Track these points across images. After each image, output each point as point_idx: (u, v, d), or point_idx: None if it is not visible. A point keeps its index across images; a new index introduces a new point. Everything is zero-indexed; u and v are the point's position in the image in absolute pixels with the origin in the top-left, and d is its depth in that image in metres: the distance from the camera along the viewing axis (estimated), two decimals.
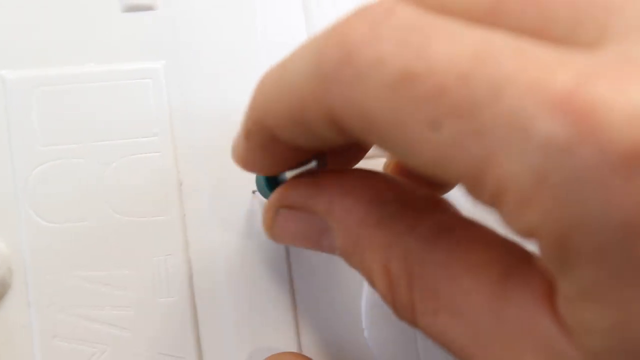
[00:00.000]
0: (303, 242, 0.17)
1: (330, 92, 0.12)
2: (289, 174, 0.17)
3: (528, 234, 0.11)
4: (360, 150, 0.19)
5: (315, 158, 0.17)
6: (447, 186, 0.20)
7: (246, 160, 0.17)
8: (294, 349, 0.20)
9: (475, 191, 0.12)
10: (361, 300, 0.21)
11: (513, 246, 0.14)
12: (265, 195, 0.20)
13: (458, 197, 0.21)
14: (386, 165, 0.21)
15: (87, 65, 0.20)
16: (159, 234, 0.20)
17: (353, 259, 0.16)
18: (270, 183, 0.18)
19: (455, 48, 0.11)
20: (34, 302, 0.19)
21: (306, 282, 0.21)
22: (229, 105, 0.21)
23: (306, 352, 0.20)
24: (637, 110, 0.10)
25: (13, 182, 0.19)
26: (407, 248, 0.14)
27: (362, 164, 0.20)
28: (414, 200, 0.15)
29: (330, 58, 0.12)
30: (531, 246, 0.12)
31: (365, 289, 0.21)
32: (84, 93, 0.20)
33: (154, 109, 0.20)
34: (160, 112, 0.21)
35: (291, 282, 0.21)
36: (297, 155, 0.16)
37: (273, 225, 0.17)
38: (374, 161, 0.21)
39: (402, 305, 0.14)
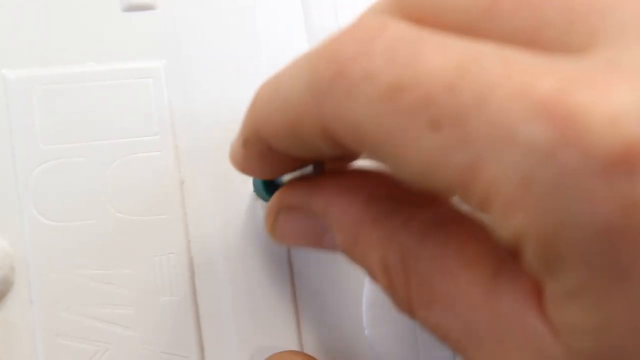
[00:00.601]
0: (305, 242, 0.17)
1: (324, 107, 0.13)
2: (286, 177, 0.18)
3: (515, 238, 0.11)
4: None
5: (313, 162, 0.17)
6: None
7: (244, 166, 0.17)
8: (295, 348, 0.20)
9: (465, 198, 0.12)
10: (362, 299, 0.21)
11: None
12: (262, 197, 0.20)
13: None
14: None
15: (87, 65, 0.20)
16: (160, 232, 0.20)
17: (354, 256, 0.16)
18: (267, 186, 0.19)
19: (442, 59, 0.11)
20: (36, 300, 0.19)
21: (307, 281, 0.21)
22: (230, 104, 0.21)
23: (308, 351, 0.21)
24: (618, 116, 0.10)
25: (15, 180, 0.19)
26: (402, 243, 0.14)
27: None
28: (408, 196, 0.15)
29: (324, 74, 0.12)
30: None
31: (366, 288, 0.21)
32: (85, 92, 0.20)
33: (154, 108, 0.21)
34: (161, 111, 0.21)
35: (292, 280, 0.21)
36: (295, 163, 0.16)
37: (275, 227, 0.18)
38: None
39: (401, 299, 0.15)
